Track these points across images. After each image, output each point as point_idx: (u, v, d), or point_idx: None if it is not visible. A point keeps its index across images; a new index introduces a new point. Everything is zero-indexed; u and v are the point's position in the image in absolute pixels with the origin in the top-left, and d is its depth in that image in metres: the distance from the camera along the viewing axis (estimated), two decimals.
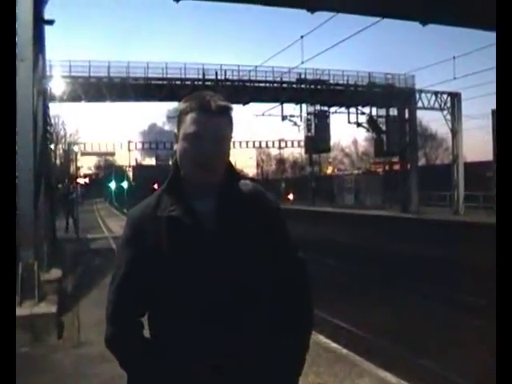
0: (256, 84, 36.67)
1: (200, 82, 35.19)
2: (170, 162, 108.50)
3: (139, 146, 71.57)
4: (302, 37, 26.82)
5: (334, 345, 7.10)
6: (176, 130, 1.94)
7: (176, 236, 1.84)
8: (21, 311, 7.68)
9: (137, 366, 1.95)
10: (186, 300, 1.82)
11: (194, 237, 1.84)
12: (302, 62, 28.03)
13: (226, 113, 1.90)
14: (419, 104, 39.33)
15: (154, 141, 71.80)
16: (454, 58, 33.01)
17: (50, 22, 11.79)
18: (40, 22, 11.04)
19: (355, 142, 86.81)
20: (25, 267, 8.07)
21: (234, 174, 1.99)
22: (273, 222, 1.98)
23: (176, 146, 1.93)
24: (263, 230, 1.91)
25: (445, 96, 38.82)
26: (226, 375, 1.82)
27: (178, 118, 1.94)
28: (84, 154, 39.19)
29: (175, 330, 1.84)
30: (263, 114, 40.52)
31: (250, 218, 1.90)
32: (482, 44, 44.10)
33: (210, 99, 1.87)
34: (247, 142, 61.83)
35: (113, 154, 48.96)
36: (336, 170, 74.35)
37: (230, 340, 1.81)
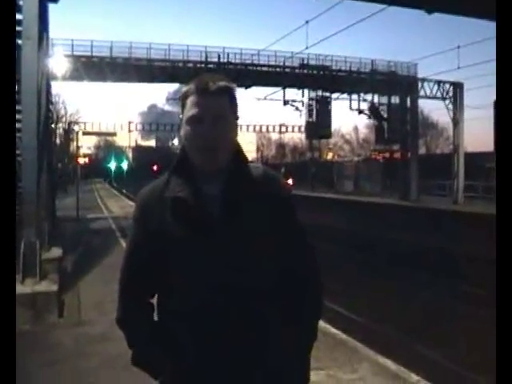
0: (259, 68, 36.47)
1: (202, 65, 35.01)
2: (170, 144, 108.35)
3: (139, 127, 71.31)
4: (307, 22, 26.77)
5: (334, 330, 7.15)
6: (181, 115, 1.95)
7: (183, 217, 1.84)
8: (22, 289, 7.73)
9: (143, 347, 1.99)
10: (191, 282, 1.83)
11: (200, 219, 1.84)
12: (307, 47, 27.96)
13: (225, 93, 1.89)
14: (421, 93, 39.16)
15: (154, 122, 71.40)
16: (458, 47, 32.90)
17: (55, 0, 11.72)
18: (44, 0, 10.98)
19: (356, 129, 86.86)
20: (27, 245, 8.10)
21: (243, 158, 1.97)
22: (282, 207, 1.96)
23: (181, 131, 1.93)
24: (272, 215, 1.89)
25: (447, 85, 38.65)
26: (233, 361, 1.82)
27: (181, 101, 1.94)
28: (85, 133, 38.93)
29: (181, 312, 1.85)
30: (265, 98, 40.29)
31: (258, 202, 1.88)
32: (485, 34, 43.79)
33: (208, 81, 1.88)
34: (247, 126, 61.59)
35: (114, 135, 48.73)
36: (336, 157, 74.19)
37: (236, 324, 1.82)
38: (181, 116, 1.94)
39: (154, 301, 2.01)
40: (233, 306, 1.81)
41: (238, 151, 1.97)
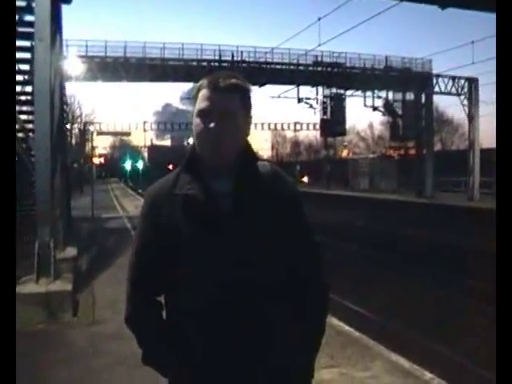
0: (272, 66, 36.46)
1: (216, 63, 35.09)
2: (185, 143, 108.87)
3: (154, 126, 71.59)
4: (319, 19, 26.70)
5: (347, 327, 7.13)
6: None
7: (192, 214, 1.85)
8: (37, 288, 7.80)
9: (153, 346, 2.00)
10: (200, 279, 1.83)
11: (209, 216, 1.85)
12: (320, 45, 27.91)
13: (235, 91, 1.90)
14: (436, 89, 38.97)
15: (168, 121, 71.74)
16: (472, 42, 32.66)
17: (68, 1, 11.77)
18: (57, 1, 11.04)
19: (371, 126, 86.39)
20: (41, 245, 8.15)
21: (251, 155, 1.99)
22: (290, 204, 1.97)
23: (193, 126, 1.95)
24: (280, 212, 1.91)
25: (462, 81, 38.39)
26: (240, 358, 1.83)
27: (194, 96, 1.96)
28: (100, 133, 39.11)
29: (190, 309, 1.86)
30: (279, 96, 40.29)
31: (266, 199, 1.90)
32: None
33: (220, 77, 1.89)
34: (262, 124, 61.79)
35: (128, 134, 48.91)
36: (351, 154, 73.98)
37: (244, 321, 1.82)
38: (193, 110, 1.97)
39: (162, 299, 2.01)
40: (241, 302, 1.82)
41: (247, 149, 1.98)
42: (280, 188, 1.96)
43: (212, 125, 1.85)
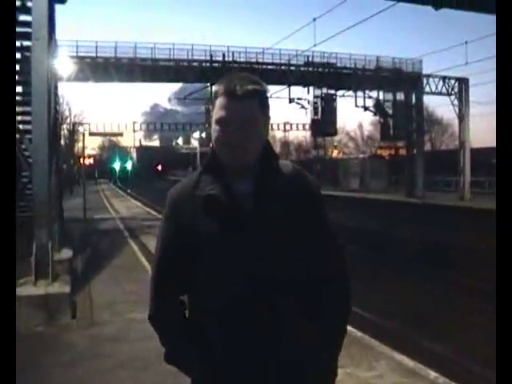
0: (264, 66, 36.48)
1: (207, 64, 35.06)
2: (174, 143, 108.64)
3: (144, 126, 71.49)
4: (314, 19, 26.69)
5: (349, 327, 7.11)
6: (212, 113, 1.95)
7: (214, 215, 1.86)
8: (36, 290, 7.75)
9: (176, 344, 2.00)
10: (223, 278, 1.84)
11: (231, 216, 1.85)
12: (315, 45, 27.78)
13: (254, 96, 1.88)
14: (427, 89, 39.17)
15: (156, 121, 71.75)
16: (466, 42, 32.79)
17: (62, 1, 11.72)
18: (52, 1, 10.96)
19: (361, 126, 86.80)
20: (38, 247, 8.09)
21: (272, 155, 1.99)
22: (312, 204, 1.97)
23: (211, 129, 1.94)
24: (301, 212, 1.91)
25: (452, 81, 38.62)
26: (261, 357, 1.83)
27: (212, 100, 1.96)
28: (92, 134, 38.92)
29: (212, 308, 1.86)
30: (271, 96, 39.21)
31: (288, 199, 1.89)
32: (490, 29, 43.66)
33: (237, 84, 1.87)
34: None
35: (121, 135, 48.87)
36: (341, 154, 74.17)
37: (266, 321, 1.82)
38: (212, 114, 1.95)
39: (185, 298, 2.01)
40: (263, 301, 1.82)
41: (268, 148, 1.98)
42: (302, 187, 1.96)
43: (233, 132, 1.84)
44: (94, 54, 33.13)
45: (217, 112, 1.88)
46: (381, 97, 39.98)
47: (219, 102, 1.88)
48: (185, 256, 1.90)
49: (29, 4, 8.48)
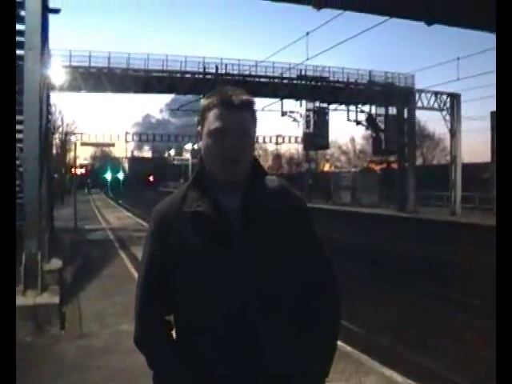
0: (257, 79, 36.58)
1: (200, 76, 35.12)
2: (166, 154, 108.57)
3: (136, 137, 71.47)
4: (307, 33, 26.79)
5: (339, 342, 7.08)
6: (199, 127, 1.94)
7: (201, 232, 1.83)
8: (24, 301, 7.68)
9: (165, 366, 1.93)
10: (211, 296, 1.81)
11: (219, 232, 1.83)
12: (308, 59, 27.96)
13: (248, 107, 1.89)
14: (419, 104, 39.35)
15: (149, 132, 71.80)
16: (458, 58, 33.02)
17: (56, 11, 11.72)
18: (45, 11, 10.96)
19: (353, 140, 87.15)
20: (28, 257, 8.04)
21: (260, 170, 1.98)
22: (299, 219, 1.97)
23: (200, 143, 1.93)
24: (289, 227, 1.90)
25: (444, 96, 38.84)
26: (252, 373, 1.81)
27: (200, 114, 1.93)
28: (84, 144, 38.96)
29: (201, 327, 1.83)
30: (263, 109, 40.22)
31: (275, 215, 1.88)
32: (482, 46, 44.07)
33: (232, 94, 1.87)
34: None
35: (113, 145, 49.01)
36: (333, 168, 74.28)
37: (256, 340, 1.81)
38: (199, 128, 1.94)
39: (171, 318, 1.98)
40: (252, 318, 1.80)
41: (256, 163, 1.98)
42: (288, 203, 1.96)
43: (228, 144, 1.82)
44: (87, 64, 33.09)
45: (212, 123, 1.86)
46: (373, 111, 40.18)
47: (214, 112, 1.86)
48: (172, 274, 1.86)
49: (22, 13, 8.46)
